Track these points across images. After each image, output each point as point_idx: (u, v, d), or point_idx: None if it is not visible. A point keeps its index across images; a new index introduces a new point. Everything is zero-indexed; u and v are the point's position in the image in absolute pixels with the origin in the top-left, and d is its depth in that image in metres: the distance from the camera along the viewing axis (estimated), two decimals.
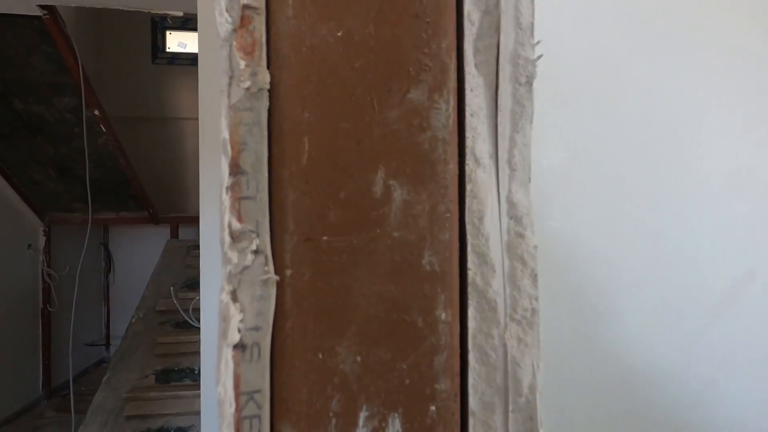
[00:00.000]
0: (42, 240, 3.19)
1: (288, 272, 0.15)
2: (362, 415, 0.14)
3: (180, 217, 3.59)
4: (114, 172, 3.02)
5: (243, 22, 0.14)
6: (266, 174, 0.15)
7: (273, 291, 0.15)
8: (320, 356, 0.14)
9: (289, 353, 0.14)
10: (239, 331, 0.15)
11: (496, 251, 0.16)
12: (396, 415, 0.14)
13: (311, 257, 0.15)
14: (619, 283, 0.77)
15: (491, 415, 0.15)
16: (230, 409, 0.14)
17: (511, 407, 0.15)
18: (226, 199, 0.15)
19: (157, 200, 3.49)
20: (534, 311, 0.15)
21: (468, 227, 0.16)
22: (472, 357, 0.15)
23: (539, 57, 0.15)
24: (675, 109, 0.84)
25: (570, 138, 0.79)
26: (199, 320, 2.71)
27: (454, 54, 0.15)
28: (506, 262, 0.16)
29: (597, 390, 0.88)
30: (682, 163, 0.86)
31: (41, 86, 2.56)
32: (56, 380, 3.29)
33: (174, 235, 3.51)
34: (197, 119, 4.48)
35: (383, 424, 0.14)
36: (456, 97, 0.16)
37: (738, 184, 0.88)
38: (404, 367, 0.15)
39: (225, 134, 0.15)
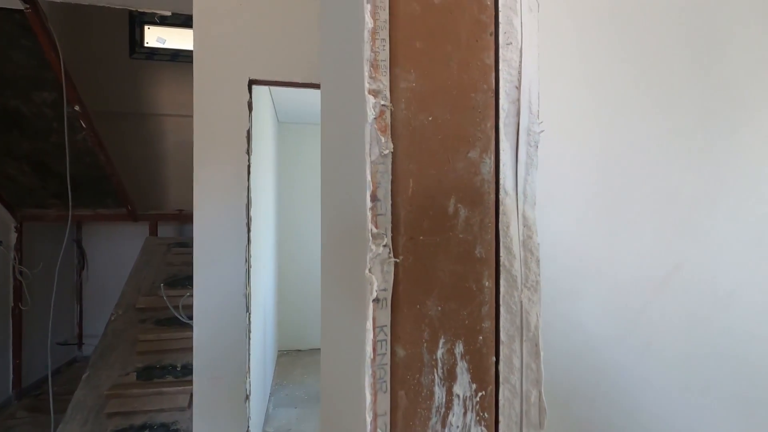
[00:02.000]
0: (13, 237, 3.11)
1: (400, 258, 0.25)
2: (441, 341, 0.24)
3: (159, 215, 3.57)
4: (92, 168, 2.99)
5: (380, 113, 0.23)
6: (390, 200, 0.25)
7: (392, 268, 0.25)
8: (418, 307, 0.24)
9: (401, 304, 0.24)
10: (375, 291, 0.24)
11: (516, 246, 0.26)
12: (460, 341, 0.24)
13: (413, 249, 0.25)
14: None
15: (512, 343, 0.25)
16: (369, 335, 0.24)
17: (524, 338, 0.25)
18: (369, 215, 0.24)
19: (135, 197, 3.46)
20: (537, 282, 0.25)
21: (501, 232, 0.26)
22: (502, 309, 0.26)
23: (542, 131, 0.25)
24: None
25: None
26: (188, 317, 2.74)
27: (493, 130, 0.25)
28: (522, 253, 0.26)
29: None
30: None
31: (20, 80, 2.52)
32: (27, 380, 3.22)
33: (153, 232, 3.49)
34: (176, 116, 4.47)
35: (453, 347, 0.24)
36: (495, 154, 0.26)
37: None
38: (464, 313, 0.25)
39: (368, 177, 0.24)
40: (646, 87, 0.37)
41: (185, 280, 3.08)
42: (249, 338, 1.70)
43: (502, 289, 0.27)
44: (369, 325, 0.23)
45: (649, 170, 0.38)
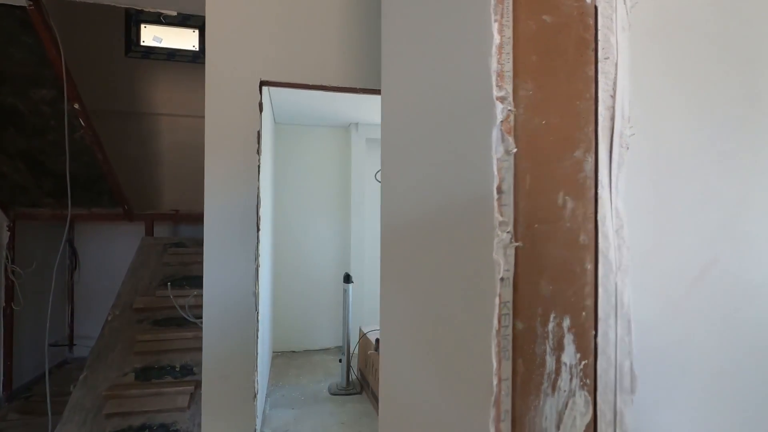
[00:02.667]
0: (6, 235, 3.06)
1: (520, 243, 0.28)
2: (551, 316, 0.28)
3: (155, 215, 3.54)
4: (89, 166, 2.96)
5: (506, 117, 0.27)
6: (512, 193, 0.28)
7: (513, 252, 0.28)
8: (533, 286, 0.28)
9: (520, 284, 0.28)
10: (501, 272, 0.28)
11: (611, 234, 0.30)
12: (567, 317, 0.28)
13: (529, 236, 0.28)
14: None
15: (608, 319, 0.29)
16: (496, 310, 0.27)
17: (618, 315, 0.29)
18: (496, 205, 0.28)
19: (130, 197, 3.43)
20: (628, 266, 0.29)
21: (599, 222, 0.30)
22: (600, 289, 0.30)
23: (632, 134, 0.29)
24: None
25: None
26: (195, 317, 2.73)
27: (593, 133, 0.29)
28: (616, 240, 0.30)
29: None
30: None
31: (18, 77, 2.49)
32: (17, 382, 3.16)
33: (149, 232, 3.47)
34: (171, 115, 4.45)
35: (561, 321, 0.28)
36: (594, 154, 0.30)
37: None
38: (570, 292, 0.28)
39: (495, 172, 0.28)
40: (689, 99, 0.41)
41: (183, 281, 3.06)
42: (257, 337, 1.72)
43: (600, 272, 0.31)
44: (497, 300, 0.27)
45: (693, 173, 0.42)
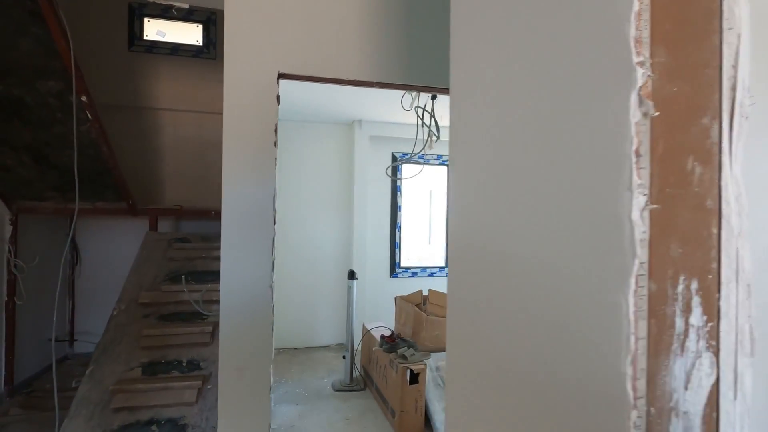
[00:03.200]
0: (8, 229, 3.03)
1: (656, 206, 0.29)
2: (681, 278, 0.29)
3: (159, 210, 3.52)
4: (95, 160, 2.94)
5: (645, 82, 0.28)
6: (648, 156, 0.29)
7: (648, 214, 0.29)
8: (665, 248, 0.29)
9: (653, 245, 0.28)
10: (639, 233, 0.29)
11: (732, 200, 0.31)
12: (695, 279, 0.29)
13: (662, 199, 0.29)
14: None
15: (729, 284, 0.30)
16: (634, 269, 0.28)
17: (739, 280, 0.30)
18: (634, 167, 0.28)
19: (134, 192, 3.41)
20: (746, 232, 0.30)
21: (722, 188, 0.31)
22: (723, 253, 0.30)
23: (752, 104, 0.30)
24: None
25: None
26: (208, 311, 2.71)
27: (718, 101, 0.31)
28: (736, 206, 0.31)
29: None
30: None
31: (25, 68, 2.46)
32: (19, 377, 3.13)
33: (153, 227, 3.44)
34: (175, 110, 4.41)
35: (689, 284, 0.29)
36: (718, 122, 0.31)
37: None
38: (698, 255, 0.29)
39: (633, 135, 0.28)
40: None
41: (188, 276, 3.04)
42: (272, 330, 1.72)
43: (723, 236, 0.32)
44: (636, 261, 0.28)
45: None
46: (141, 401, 2.33)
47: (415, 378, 2.86)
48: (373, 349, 3.37)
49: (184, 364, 2.56)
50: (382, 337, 3.29)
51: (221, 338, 1.58)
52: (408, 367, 2.86)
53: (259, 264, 1.63)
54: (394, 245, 4.94)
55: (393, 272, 4.93)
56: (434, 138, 2.34)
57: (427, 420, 2.92)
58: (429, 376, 3.00)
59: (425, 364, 2.96)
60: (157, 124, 3.95)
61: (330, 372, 3.96)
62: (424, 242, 5.42)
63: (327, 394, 3.49)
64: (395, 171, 4.94)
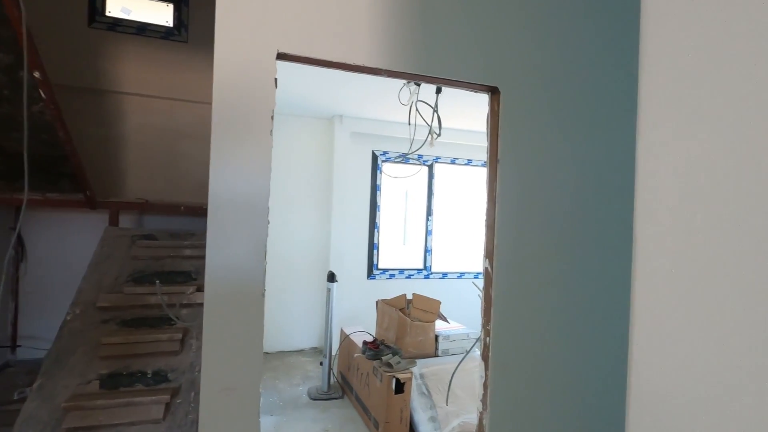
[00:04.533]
0: None
1: None
2: None
3: (121, 203, 3.20)
4: (49, 146, 2.61)
5: None
6: None
7: None
8: None
9: None
10: None
11: None
12: None
13: None
14: None
15: None
16: None
17: None
18: None
19: (94, 182, 3.08)
20: None
21: None
22: None
23: None
24: None
25: None
26: (177, 317, 2.46)
27: None
28: None
29: None
30: None
31: None
32: None
33: (113, 222, 3.13)
34: (139, 95, 4.08)
35: None
36: None
37: None
38: None
39: None
40: None
41: (154, 277, 2.77)
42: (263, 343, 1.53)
43: None
44: None
45: None
46: (100, 419, 2.07)
47: (400, 387, 2.73)
48: (355, 355, 3.21)
49: (150, 376, 2.31)
50: (365, 343, 3.13)
51: (204, 355, 1.38)
52: (394, 376, 2.72)
53: (250, 268, 1.43)
54: (373, 246, 4.79)
55: (370, 274, 4.78)
56: (435, 136, 2.22)
57: (412, 430, 2.80)
58: (413, 384, 2.88)
59: (411, 373, 2.83)
60: (120, 110, 3.62)
61: (305, 378, 3.76)
62: (412, 242, 5.31)
63: (303, 403, 3.30)
64: (375, 170, 4.79)
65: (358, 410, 3.14)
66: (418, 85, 2.30)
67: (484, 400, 1.72)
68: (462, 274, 5.22)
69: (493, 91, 1.72)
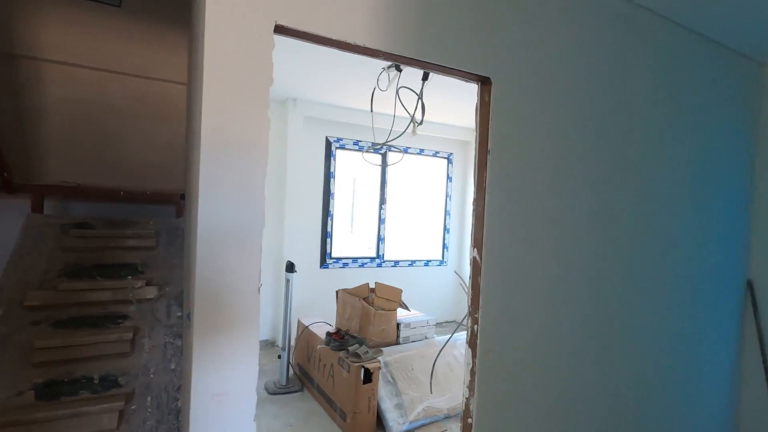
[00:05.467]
0: None
1: None
2: None
3: (48, 186, 2.80)
4: None
5: None
6: None
7: None
8: None
9: None
10: None
11: None
12: None
13: None
14: None
15: None
16: None
17: None
18: None
19: (10, 161, 2.66)
20: None
21: None
22: None
23: None
24: None
25: None
26: (118, 316, 2.20)
27: None
28: None
29: None
30: None
31: None
32: None
33: (37, 209, 2.73)
34: (63, 63, 3.63)
35: None
36: None
37: None
38: None
39: None
40: None
41: (93, 270, 2.47)
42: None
43: None
44: None
45: None
46: None
47: (369, 377, 2.71)
48: (318, 347, 3.13)
49: (97, 382, 2.06)
50: (329, 334, 3.06)
51: (195, 356, 1.25)
52: (362, 366, 2.69)
53: (244, 261, 1.31)
54: (326, 234, 4.69)
55: (324, 263, 4.68)
56: (416, 124, 2.18)
57: (378, 419, 2.80)
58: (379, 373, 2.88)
59: (380, 362, 2.83)
60: (38, 78, 3.13)
61: (260, 373, 3.59)
62: (360, 230, 5.25)
63: (261, 398, 3.16)
64: (329, 157, 4.66)
65: (321, 402, 3.08)
66: (400, 70, 2.24)
67: (471, 386, 1.76)
68: (413, 262, 5.30)
69: (484, 82, 1.72)
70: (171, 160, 3.38)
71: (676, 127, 2.34)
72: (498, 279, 1.75)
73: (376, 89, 3.47)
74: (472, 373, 1.73)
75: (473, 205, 1.76)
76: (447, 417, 3.01)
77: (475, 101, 1.77)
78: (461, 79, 1.72)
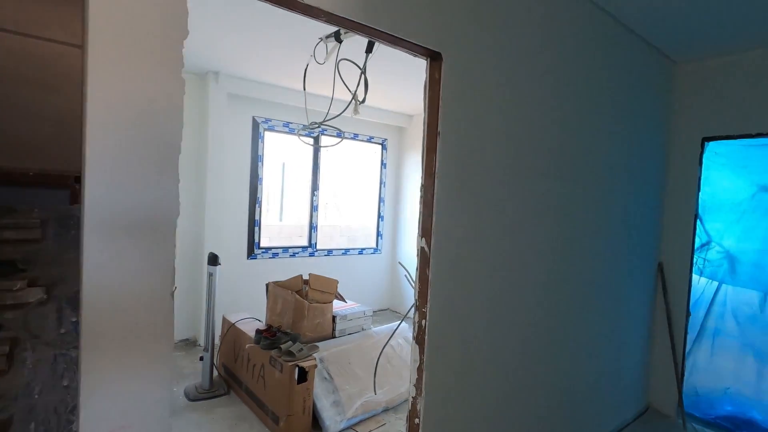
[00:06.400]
0: None
1: None
2: None
3: None
4: None
5: None
6: None
7: None
8: None
9: None
10: None
11: None
12: None
13: None
14: None
15: None
16: None
17: None
18: None
19: None
20: None
21: None
22: None
23: None
24: None
25: None
26: (2, 325, 1.77)
27: None
28: None
29: None
30: None
31: None
32: None
33: None
34: None
35: None
36: None
37: None
38: None
39: None
40: None
41: None
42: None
43: None
44: None
45: None
46: None
47: (304, 375, 2.52)
48: (246, 346, 2.87)
49: None
50: (258, 331, 2.81)
51: (85, 385, 0.98)
52: (297, 365, 2.50)
53: (149, 256, 1.06)
54: (254, 223, 4.35)
55: (251, 253, 4.35)
56: (358, 102, 1.98)
57: (314, 419, 2.63)
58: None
59: (315, 359, 2.65)
60: None
61: (179, 377, 3.24)
62: (291, 218, 4.94)
63: (181, 407, 2.84)
64: (256, 139, 4.30)
65: (251, 406, 2.83)
66: (340, 41, 2.02)
67: (418, 385, 1.65)
68: (347, 250, 5.14)
69: (435, 57, 1.59)
70: (63, 136, 2.85)
71: (608, 121, 2.41)
72: (447, 270, 1.65)
73: (311, 64, 3.20)
74: (420, 371, 1.62)
75: (421, 191, 1.63)
76: (385, 410, 2.93)
77: (422, 80, 1.63)
78: (409, 53, 1.56)
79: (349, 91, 1.96)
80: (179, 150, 1.05)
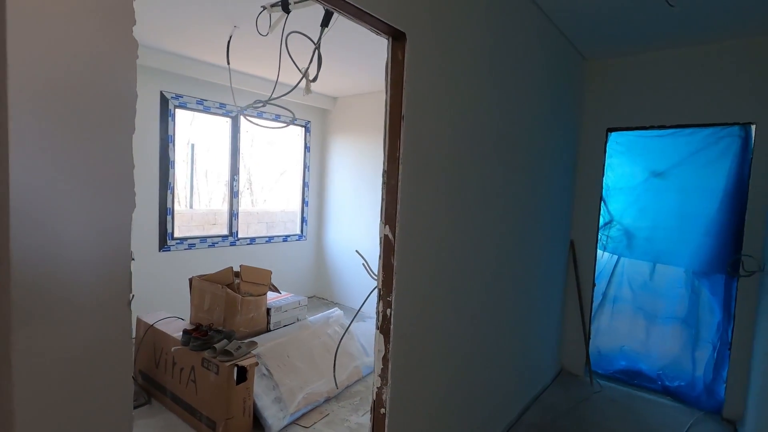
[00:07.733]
0: None
1: None
2: None
3: None
4: None
5: None
6: None
7: None
8: None
9: None
10: None
11: None
12: None
13: None
14: None
15: None
16: None
17: None
18: None
19: None
20: None
21: None
22: None
23: None
24: None
25: None
26: None
27: None
28: None
29: None
30: None
31: None
32: None
33: None
34: None
35: None
36: None
37: None
38: None
39: None
40: None
41: None
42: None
43: None
44: None
45: None
46: None
47: (243, 375, 2.35)
48: (172, 349, 2.58)
49: None
50: (186, 331, 2.54)
51: (19, 394, 0.78)
52: (236, 364, 2.31)
53: (102, 215, 0.87)
54: (166, 211, 3.90)
55: (164, 245, 3.91)
56: (309, 80, 1.81)
57: (255, 419, 2.48)
58: None
59: (255, 356, 2.48)
60: None
61: None
62: (208, 204, 4.52)
63: None
64: (165, 117, 3.83)
65: (179, 413, 2.57)
66: (288, 11, 1.83)
67: (383, 375, 1.62)
68: (271, 238, 4.88)
69: (398, 37, 1.52)
70: None
71: (536, 110, 2.57)
72: (412, 258, 1.62)
73: (233, 36, 2.91)
74: (385, 360, 1.60)
75: (383, 177, 1.58)
76: (327, 400, 2.87)
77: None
78: (372, 29, 1.48)
79: (299, 69, 1.80)
80: (132, 129, 0.86)
